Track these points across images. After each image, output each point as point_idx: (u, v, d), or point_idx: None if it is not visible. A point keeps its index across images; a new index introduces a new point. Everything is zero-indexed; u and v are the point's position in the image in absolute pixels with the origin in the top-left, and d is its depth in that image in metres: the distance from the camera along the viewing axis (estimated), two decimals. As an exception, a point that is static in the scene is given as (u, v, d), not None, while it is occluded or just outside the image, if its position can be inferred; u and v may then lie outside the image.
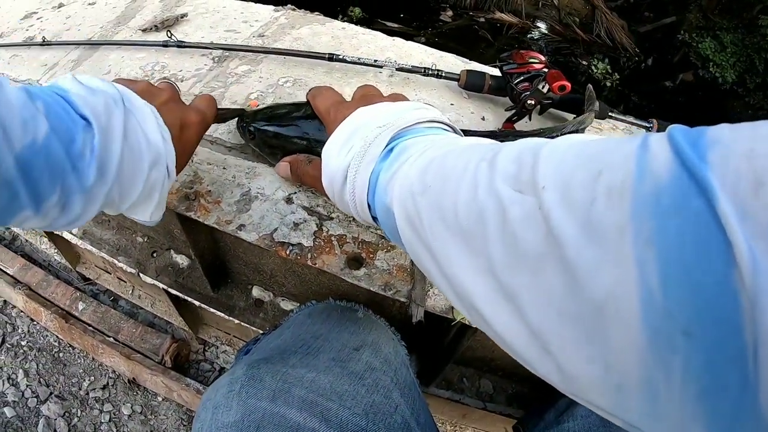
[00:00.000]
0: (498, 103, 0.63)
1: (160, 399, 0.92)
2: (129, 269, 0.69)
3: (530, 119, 0.58)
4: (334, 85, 0.51)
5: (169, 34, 0.65)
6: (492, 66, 0.65)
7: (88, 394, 0.92)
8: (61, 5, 0.78)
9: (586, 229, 0.18)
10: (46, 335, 0.97)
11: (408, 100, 0.39)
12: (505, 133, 0.51)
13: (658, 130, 0.59)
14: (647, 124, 0.60)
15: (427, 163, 0.28)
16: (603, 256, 0.17)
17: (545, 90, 0.53)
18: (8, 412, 0.88)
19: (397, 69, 0.62)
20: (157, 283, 0.69)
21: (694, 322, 0.14)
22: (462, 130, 0.38)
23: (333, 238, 0.47)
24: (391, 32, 0.74)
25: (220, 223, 0.47)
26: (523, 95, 0.55)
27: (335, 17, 0.77)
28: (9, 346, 0.96)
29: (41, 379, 0.93)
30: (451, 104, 0.62)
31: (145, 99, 0.36)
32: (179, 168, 0.39)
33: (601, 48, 3.48)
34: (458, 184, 0.24)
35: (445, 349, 0.63)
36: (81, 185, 0.30)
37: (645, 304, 0.15)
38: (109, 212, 0.36)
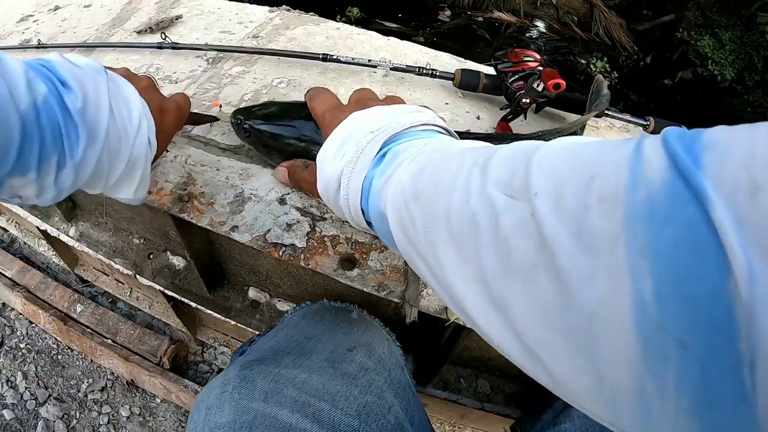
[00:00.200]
0: (493, 102, 0.63)
1: (158, 400, 0.92)
2: (126, 271, 0.69)
3: (525, 118, 0.58)
4: (328, 86, 0.51)
5: (163, 36, 0.65)
6: (487, 65, 0.65)
7: (86, 396, 0.92)
8: (56, 8, 0.78)
9: (579, 237, 0.17)
10: (45, 337, 0.98)
11: (404, 101, 0.39)
12: (501, 137, 0.50)
13: (655, 128, 0.59)
14: (644, 122, 0.59)
15: (420, 168, 0.28)
16: (596, 266, 0.16)
17: (540, 88, 0.53)
18: (7, 414, 0.88)
19: (391, 69, 0.62)
20: (153, 284, 0.69)
21: (689, 333, 0.14)
22: (457, 132, 0.38)
23: (326, 239, 0.47)
24: (389, 32, 0.74)
25: (213, 225, 0.47)
26: (518, 94, 0.55)
27: (333, 18, 0.77)
28: (8, 348, 0.96)
29: (40, 382, 0.93)
30: (446, 103, 0.62)
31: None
32: (157, 155, 0.41)
33: (600, 46, 3.48)
34: (450, 190, 0.24)
35: (441, 349, 0.63)
36: (74, 145, 0.32)
37: (638, 315, 0.15)
38: (97, 188, 0.37)
